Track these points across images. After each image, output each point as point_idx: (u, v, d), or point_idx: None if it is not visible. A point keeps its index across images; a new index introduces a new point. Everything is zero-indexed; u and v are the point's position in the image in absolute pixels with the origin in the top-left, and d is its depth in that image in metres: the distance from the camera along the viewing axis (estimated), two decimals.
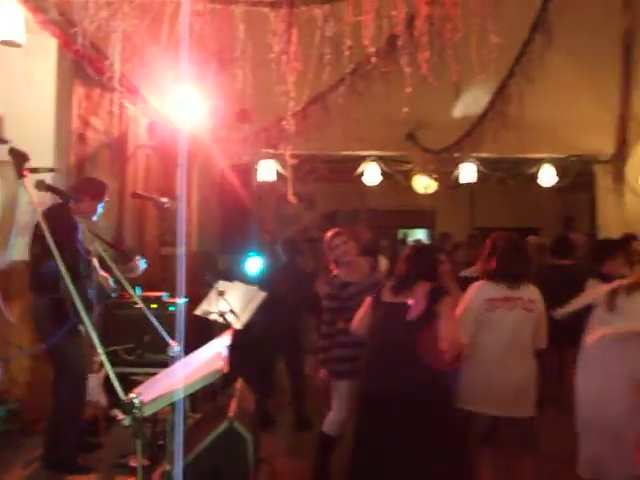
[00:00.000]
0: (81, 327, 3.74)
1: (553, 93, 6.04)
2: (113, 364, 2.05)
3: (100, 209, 4.16)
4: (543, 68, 5.21)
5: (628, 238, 5.24)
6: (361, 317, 3.63)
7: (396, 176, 8.79)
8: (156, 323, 2.76)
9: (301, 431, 5.24)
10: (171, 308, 4.68)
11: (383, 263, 6.69)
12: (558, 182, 8.95)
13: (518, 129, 5.78)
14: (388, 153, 8.51)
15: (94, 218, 4.14)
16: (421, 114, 5.96)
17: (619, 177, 7.29)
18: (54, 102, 4.61)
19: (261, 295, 4.45)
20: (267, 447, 4.23)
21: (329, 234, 4.25)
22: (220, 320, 4.24)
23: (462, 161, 8.42)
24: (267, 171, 8.03)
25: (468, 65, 3.94)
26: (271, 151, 7.21)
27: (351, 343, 3.86)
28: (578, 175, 9.15)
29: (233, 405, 3.31)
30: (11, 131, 4.41)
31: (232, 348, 2.92)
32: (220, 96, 5.22)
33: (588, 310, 3.75)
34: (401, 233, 12.86)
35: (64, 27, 4.27)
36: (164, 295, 4.82)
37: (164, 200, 4.39)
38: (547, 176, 8.88)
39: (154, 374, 2.52)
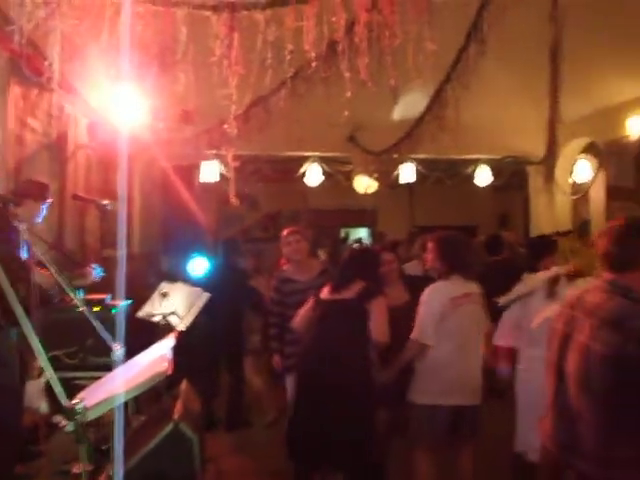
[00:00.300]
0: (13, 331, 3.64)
1: (487, 98, 6.27)
2: (55, 369, 2.02)
3: (44, 210, 4.07)
4: (478, 74, 5.38)
5: (565, 234, 5.51)
6: (302, 315, 3.81)
7: (338, 176, 8.92)
8: (99, 326, 2.75)
9: (239, 430, 5.32)
10: (114, 311, 4.62)
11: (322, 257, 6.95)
12: (493, 182, 9.29)
13: (455, 131, 5.94)
14: (329, 154, 8.63)
15: (39, 220, 4.04)
16: (361, 117, 6.07)
17: (550, 177, 7.61)
18: None
19: (205, 296, 4.47)
20: (213, 446, 4.26)
21: (286, 231, 4.42)
22: (163, 322, 4.24)
23: (401, 162, 8.61)
24: (210, 172, 8.00)
25: (406, 70, 4.04)
26: (214, 152, 7.19)
27: (294, 340, 4.02)
28: (512, 175, 9.54)
29: (178, 406, 3.33)
30: None
31: (176, 349, 2.94)
32: (162, 97, 5.19)
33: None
34: (343, 232, 13.01)
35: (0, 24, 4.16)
36: (107, 298, 4.76)
37: (105, 202, 4.34)
38: (483, 176, 9.20)
39: (98, 378, 2.50)
